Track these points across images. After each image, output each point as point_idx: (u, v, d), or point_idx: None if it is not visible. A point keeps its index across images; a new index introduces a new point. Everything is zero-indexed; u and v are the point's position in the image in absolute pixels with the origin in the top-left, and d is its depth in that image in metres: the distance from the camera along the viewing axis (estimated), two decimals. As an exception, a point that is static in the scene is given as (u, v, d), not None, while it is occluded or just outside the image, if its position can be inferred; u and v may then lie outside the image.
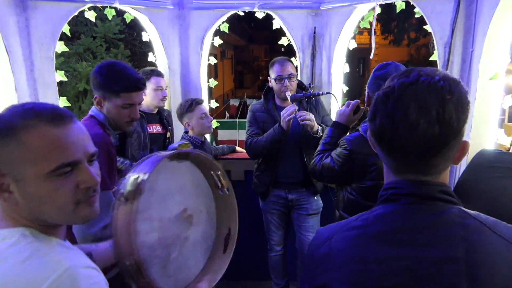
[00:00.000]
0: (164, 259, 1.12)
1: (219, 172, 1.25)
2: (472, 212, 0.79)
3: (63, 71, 2.78)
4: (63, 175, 0.77)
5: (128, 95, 1.58)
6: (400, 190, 0.82)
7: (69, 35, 2.85)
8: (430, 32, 2.48)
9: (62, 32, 2.61)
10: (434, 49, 2.46)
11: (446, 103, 0.72)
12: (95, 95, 1.60)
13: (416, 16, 2.62)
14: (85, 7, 2.69)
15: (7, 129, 0.74)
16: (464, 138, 0.78)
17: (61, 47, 2.65)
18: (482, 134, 2.20)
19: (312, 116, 2.24)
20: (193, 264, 1.25)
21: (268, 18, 3.13)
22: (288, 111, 2.22)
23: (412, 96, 0.74)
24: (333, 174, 1.78)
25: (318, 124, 2.31)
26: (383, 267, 0.76)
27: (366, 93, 1.79)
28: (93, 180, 0.81)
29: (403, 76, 0.78)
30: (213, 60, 3.38)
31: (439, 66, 2.40)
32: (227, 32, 3.24)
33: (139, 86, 1.61)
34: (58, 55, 2.66)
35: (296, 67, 3.21)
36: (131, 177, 0.98)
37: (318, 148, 1.93)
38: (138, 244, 0.96)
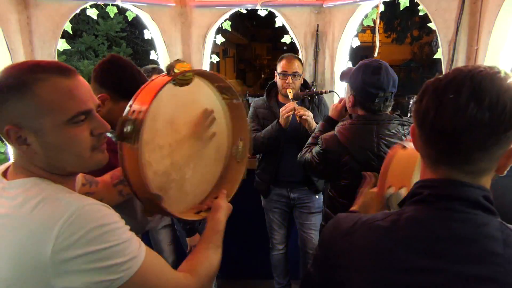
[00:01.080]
0: (179, 181, 1.14)
1: (226, 82, 1.18)
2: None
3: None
4: (79, 123, 0.82)
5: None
6: (438, 190, 0.74)
7: (71, 33, 2.85)
8: (434, 30, 2.46)
9: (64, 30, 2.60)
10: (438, 47, 2.44)
11: (502, 92, 0.66)
12: (100, 93, 1.55)
13: (420, 13, 2.60)
14: (87, 5, 2.68)
15: (19, 84, 0.77)
16: None
17: (63, 45, 2.65)
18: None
19: (310, 114, 2.22)
20: (209, 177, 1.26)
21: (271, 16, 3.12)
22: (287, 108, 2.21)
23: (467, 78, 0.69)
24: (312, 170, 1.79)
25: (318, 123, 2.29)
26: (411, 278, 0.70)
27: (349, 96, 1.69)
28: (105, 126, 0.87)
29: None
30: (215, 58, 3.37)
31: (443, 64, 2.38)
32: (229, 30, 3.23)
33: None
34: (59, 53, 2.66)
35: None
36: (129, 120, 0.95)
37: (308, 141, 1.93)
38: (151, 175, 0.99)
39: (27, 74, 0.78)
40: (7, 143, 0.84)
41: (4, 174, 0.85)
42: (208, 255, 0.99)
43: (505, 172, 0.75)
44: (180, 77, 1.03)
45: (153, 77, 2.82)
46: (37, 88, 0.77)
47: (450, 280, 0.67)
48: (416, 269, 0.70)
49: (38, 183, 0.80)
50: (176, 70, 1.00)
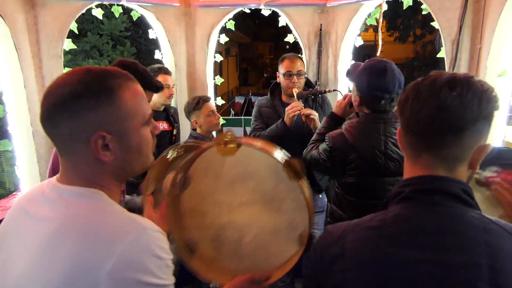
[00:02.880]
0: (236, 241, 1.16)
1: (289, 158, 1.11)
2: (491, 217, 0.77)
3: (70, 69, 2.79)
4: (149, 125, 0.87)
5: (150, 94, 1.69)
6: (419, 185, 0.80)
7: (77, 33, 2.87)
8: (436, 29, 2.46)
9: (70, 29, 2.62)
10: (441, 46, 2.44)
11: (473, 86, 0.75)
12: None
13: (423, 12, 2.60)
14: (93, 5, 2.70)
15: (107, 90, 0.78)
16: None
17: (68, 44, 2.67)
18: (490, 131, 2.19)
19: (316, 114, 2.23)
20: (277, 252, 1.18)
21: (273, 15, 3.13)
22: (293, 107, 2.22)
23: (445, 74, 0.78)
24: (318, 166, 1.80)
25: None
26: (404, 271, 0.73)
27: (356, 96, 1.69)
28: (158, 127, 0.92)
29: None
30: (219, 58, 3.39)
31: (446, 63, 2.38)
32: (233, 29, 3.25)
33: (160, 87, 1.73)
34: (65, 53, 2.68)
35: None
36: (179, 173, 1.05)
37: (313, 137, 1.94)
38: (208, 223, 1.08)
39: (109, 80, 0.79)
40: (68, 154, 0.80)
41: (58, 180, 0.84)
42: None
43: (477, 167, 0.81)
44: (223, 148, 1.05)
45: (159, 77, 2.87)
46: (122, 93, 0.79)
47: (437, 268, 0.71)
48: (405, 262, 0.74)
49: (100, 194, 0.80)
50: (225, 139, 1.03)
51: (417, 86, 0.80)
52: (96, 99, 0.76)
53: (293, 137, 2.34)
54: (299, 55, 2.50)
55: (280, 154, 1.08)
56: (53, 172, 1.61)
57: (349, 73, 1.80)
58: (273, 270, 1.17)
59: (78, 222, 0.73)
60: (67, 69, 2.69)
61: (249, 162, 1.13)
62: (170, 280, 0.76)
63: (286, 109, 2.25)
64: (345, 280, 0.79)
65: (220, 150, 1.04)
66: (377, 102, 1.61)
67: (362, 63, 1.72)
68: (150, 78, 1.66)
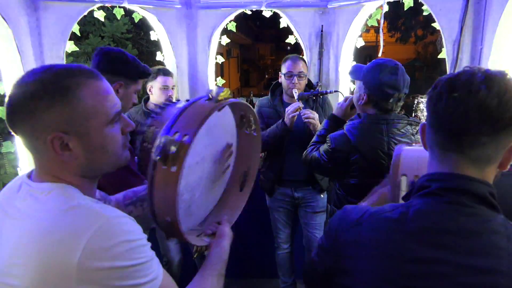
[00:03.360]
0: (188, 201, 1.13)
1: (251, 115, 1.20)
2: None
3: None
4: (115, 123, 0.85)
5: (141, 81, 1.68)
6: (446, 183, 0.78)
7: (79, 35, 2.89)
8: (438, 30, 2.46)
9: (72, 32, 2.64)
10: (442, 47, 2.44)
11: (509, 83, 0.73)
12: (114, 83, 1.55)
13: (424, 13, 2.61)
14: (95, 7, 2.72)
15: (63, 89, 0.76)
16: None
17: (71, 46, 2.69)
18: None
19: (316, 116, 2.24)
20: (210, 200, 1.25)
21: (275, 17, 3.14)
22: (293, 107, 2.23)
23: (480, 70, 0.75)
24: (320, 167, 1.81)
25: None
26: (418, 268, 0.73)
27: (363, 94, 1.69)
28: (132, 124, 0.91)
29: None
30: (220, 59, 3.40)
31: (447, 64, 2.39)
32: (235, 31, 3.26)
33: (149, 73, 1.72)
34: (67, 55, 2.69)
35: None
36: (171, 137, 0.91)
37: (313, 139, 1.94)
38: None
39: (67, 78, 0.77)
40: (26, 149, 0.81)
41: (29, 176, 0.85)
42: (214, 284, 0.98)
43: (508, 167, 0.78)
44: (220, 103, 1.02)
45: (158, 78, 2.84)
46: (80, 92, 0.77)
47: (455, 270, 0.70)
48: (423, 260, 0.73)
49: (67, 189, 0.80)
50: (220, 98, 0.99)
51: (452, 82, 0.77)
52: (50, 99, 0.74)
53: (293, 138, 2.35)
54: (302, 57, 2.51)
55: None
56: None
57: (353, 73, 1.80)
58: (217, 214, 1.22)
59: (43, 218, 0.73)
60: (69, 71, 2.71)
61: (212, 118, 1.06)
62: (147, 257, 0.76)
63: (286, 109, 2.26)
64: (356, 267, 0.79)
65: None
66: (386, 99, 1.61)
67: (364, 65, 1.73)
68: (136, 66, 1.61)
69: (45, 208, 0.75)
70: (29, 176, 0.85)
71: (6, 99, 0.78)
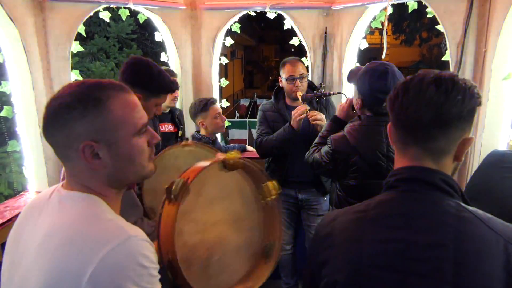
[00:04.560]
0: (205, 260, 1.17)
1: (267, 184, 1.27)
2: (470, 208, 0.83)
3: (78, 71, 2.83)
4: (142, 135, 0.89)
5: (165, 95, 1.65)
6: (403, 175, 0.88)
7: (84, 35, 2.91)
8: (443, 32, 2.46)
9: (77, 32, 2.66)
10: (447, 49, 2.44)
11: (458, 84, 0.82)
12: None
13: (429, 16, 2.61)
14: (100, 8, 2.74)
15: (95, 101, 0.81)
16: (477, 139, 0.83)
17: (76, 47, 2.71)
18: (495, 134, 2.18)
19: (323, 116, 2.25)
20: (236, 269, 1.27)
21: (279, 18, 3.15)
22: (299, 110, 2.23)
23: (432, 73, 0.86)
24: (321, 169, 1.82)
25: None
26: (377, 248, 0.83)
27: (358, 99, 1.71)
28: (157, 137, 0.94)
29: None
30: (224, 60, 3.41)
31: (451, 67, 2.38)
32: (239, 32, 3.27)
33: (174, 88, 1.69)
34: (73, 55, 2.71)
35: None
36: (180, 180, 1.05)
37: (316, 140, 1.95)
38: (180, 244, 1.03)
39: (98, 91, 0.83)
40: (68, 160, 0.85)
41: (62, 185, 0.89)
42: None
43: (463, 159, 0.89)
44: (230, 163, 1.12)
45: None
46: (110, 104, 0.83)
47: (408, 246, 0.80)
48: (381, 240, 0.83)
49: (96, 201, 0.83)
50: (227, 157, 1.10)
51: (406, 84, 0.87)
52: (83, 109, 0.80)
53: (298, 140, 2.35)
54: (299, 58, 2.52)
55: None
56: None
57: (350, 77, 1.82)
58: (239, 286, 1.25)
59: (65, 226, 0.77)
60: (75, 71, 2.74)
61: (228, 182, 1.21)
62: None
63: (293, 112, 2.27)
64: (330, 255, 0.89)
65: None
66: (379, 104, 1.63)
67: (363, 67, 1.74)
68: (158, 81, 1.58)
69: (71, 217, 0.79)
70: (62, 185, 0.89)
71: (43, 112, 0.83)
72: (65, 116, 0.80)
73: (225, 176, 1.18)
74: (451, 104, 0.81)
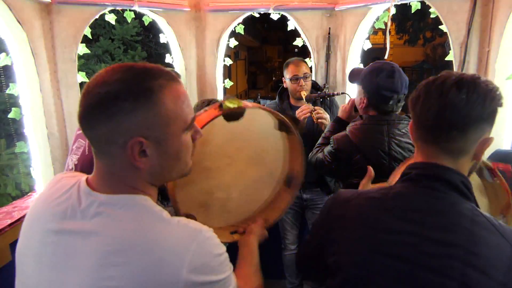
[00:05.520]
0: (224, 199, 1.21)
1: (284, 118, 1.25)
2: (486, 213, 0.85)
3: (84, 73, 2.87)
4: (190, 130, 0.81)
5: None
6: (424, 170, 0.89)
7: (90, 38, 2.94)
8: (446, 32, 2.47)
9: (83, 34, 2.69)
10: (450, 49, 2.45)
11: (479, 87, 0.84)
12: None
13: (432, 16, 2.61)
14: (106, 10, 2.77)
15: (147, 91, 0.71)
16: None
17: (82, 49, 2.74)
18: (499, 134, 2.19)
19: (327, 116, 2.26)
20: (256, 199, 1.32)
21: (282, 19, 3.16)
22: (303, 110, 2.25)
23: (453, 75, 0.87)
24: (324, 168, 1.85)
25: None
26: (391, 237, 0.85)
27: (363, 98, 1.72)
28: (201, 132, 0.86)
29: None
30: (228, 61, 3.43)
31: (455, 66, 2.39)
32: (243, 33, 3.29)
33: None
34: (78, 57, 2.75)
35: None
36: None
37: (319, 141, 1.98)
38: (195, 191, 1.06)
39: (150, 80, 0.72)
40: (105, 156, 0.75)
41: (91, 187, 0.78)
42: (258, 278, 1.00)
43: (481, 158, 0.91)
44: (228, 113, 1.08)
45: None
46: (163, 95, 0.73)
47: (421, 241, 0.82)
48: (395, 231, 0.85)
49: (148, 202, 0.77)
50: (225, 106, 1.05)
51: (428, 85, 0.89)
52: (134, 102, 0.70)
53: (304, 141, 2.36)
54: (302, 58, 2.53)
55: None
56: (81, 165, 1.58)
57: (353, 77, 1.83)
58: (260, 213, 1.30)
59: (136, 236, 0.70)
60: (81, 73, 2.77)
61: (237, 123, 1.14)
62: (230, 268, 0.80)
63: (297, 112, 2.28)
64: (341, 236, 0.91)
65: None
66: (386, 102, 1.64)
67: (364, 67, 1.76)
68: None
69: (134, 223, 0.72)
70: (91, 186, 0.78)
71: (80, 98, 0.73)
72: (112, 108, 0.69)
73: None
74: (471, 106, 0.82)
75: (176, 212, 1.07)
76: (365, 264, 0.85)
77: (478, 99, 0.82)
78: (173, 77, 0.77)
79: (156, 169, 0.77)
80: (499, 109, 0.86)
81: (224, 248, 0.79)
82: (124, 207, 0.73)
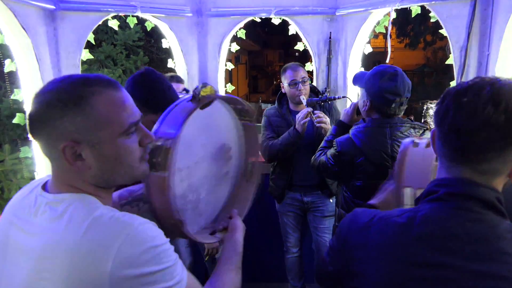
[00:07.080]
0: (195, 202, 1.14)
1: (245, 106, 1.21)
2: None
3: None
4: (130, 135, 0.83)
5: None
6: (454, 188, 0.77)
7: (94, 43, 2.97)
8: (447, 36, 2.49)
9: (87, 40, 2.73)
10: (451, 53, 2.47)
11: None
12: None
13: (432, 20, 2.63)
14: (109, 16, 2.80)
15: (76, 98, 0.76)
16: None
17: (86, 54, 2.78)
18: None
19: (327, 120, 2.28)
20: (220, 196, 1.27)
21: (283, 23, 3.19)
22: (303, 113, 2.27)
23: (487, 84, 0.74)
24: (327, 171, 1.87)
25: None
26: (425, 273, 0.73)
27: (366, 101, 1.74)
28: (151, 137, 0.88)
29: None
30: (230, 66, 3.46)
31: (455, 70, 2.41)
32: (244, 38, 3.32)
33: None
34: (82, 63, 2.78)
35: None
36: (155, 143, 0.93)
37: (321, 144, 2.00)
38: (176, 206, 0.97)
39: (81, 87, 0.77)
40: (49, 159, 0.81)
41: (44, 188, 0.84)
42: (232, 277, 0.98)
43: None
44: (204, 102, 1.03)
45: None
46: (94, 101, 0.77)
47: (462, 276, 0.71)
48: (429, 264, 0.73)
49: (87, 199, 0.80)
50: (201, 95, 1.00)
51: (459, 98, 0.75)
52: (63, 108, 0.75)
53: (303, 144, 2.38)
54: (300, 63, 2.56)
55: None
56: None
57: (356, 80, 1.86)
58: (228, 209, 1.25)
59: (68, 231, 0.74)
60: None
61: (204, 116, 1.08)
62: (172, 260, 0.78)
63: (297, 116, 2.30)
64: (364, 270, 0.80)
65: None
66: (388, 105, 1.67)
67: (366, 72, 1.79)
68: (158, 98, 1.43)
69: (67, 220, 0.75)
70: (44, 187, 0.84)
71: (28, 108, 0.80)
72: (45, 114, 0.76)
73: (200, 113, 1.07)
74: (511, 124, 0.70)
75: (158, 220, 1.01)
76: None
77: None
78: (111, 84, 0.81)
79: (96, 172, 0.81)
80: None
81: (163, 240, 0.78)
82: (64, 204, 0.78)
